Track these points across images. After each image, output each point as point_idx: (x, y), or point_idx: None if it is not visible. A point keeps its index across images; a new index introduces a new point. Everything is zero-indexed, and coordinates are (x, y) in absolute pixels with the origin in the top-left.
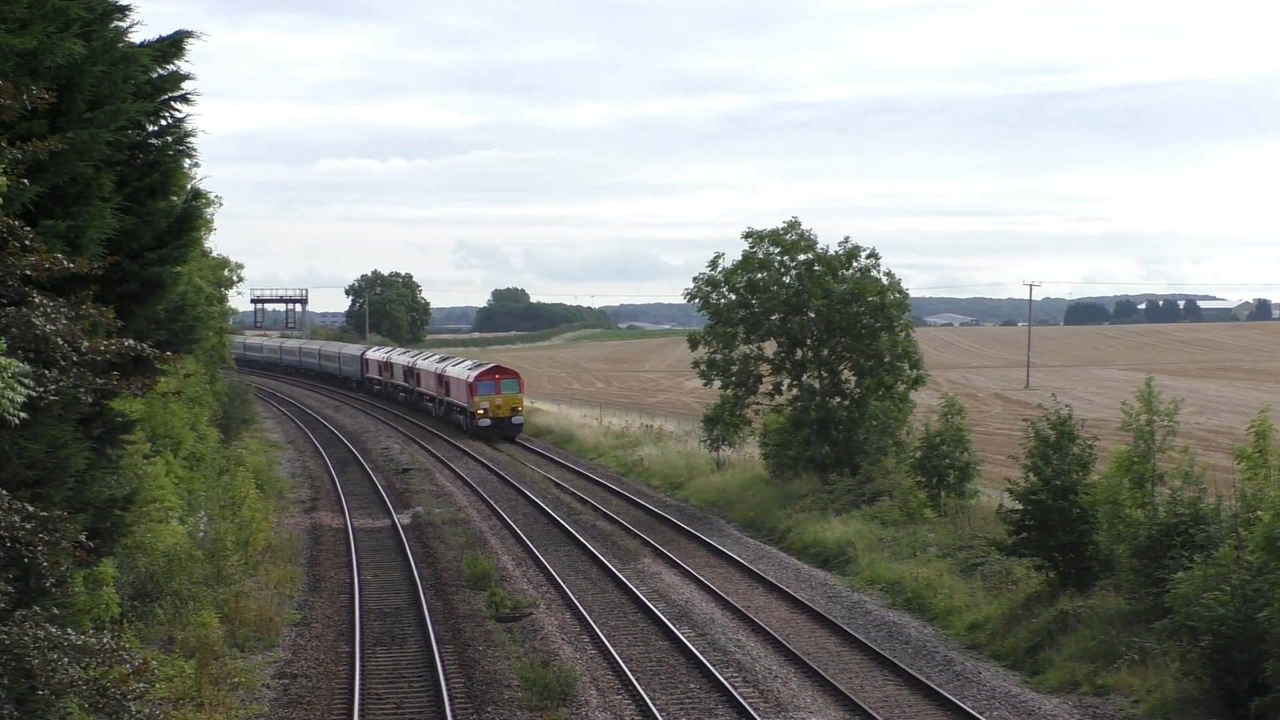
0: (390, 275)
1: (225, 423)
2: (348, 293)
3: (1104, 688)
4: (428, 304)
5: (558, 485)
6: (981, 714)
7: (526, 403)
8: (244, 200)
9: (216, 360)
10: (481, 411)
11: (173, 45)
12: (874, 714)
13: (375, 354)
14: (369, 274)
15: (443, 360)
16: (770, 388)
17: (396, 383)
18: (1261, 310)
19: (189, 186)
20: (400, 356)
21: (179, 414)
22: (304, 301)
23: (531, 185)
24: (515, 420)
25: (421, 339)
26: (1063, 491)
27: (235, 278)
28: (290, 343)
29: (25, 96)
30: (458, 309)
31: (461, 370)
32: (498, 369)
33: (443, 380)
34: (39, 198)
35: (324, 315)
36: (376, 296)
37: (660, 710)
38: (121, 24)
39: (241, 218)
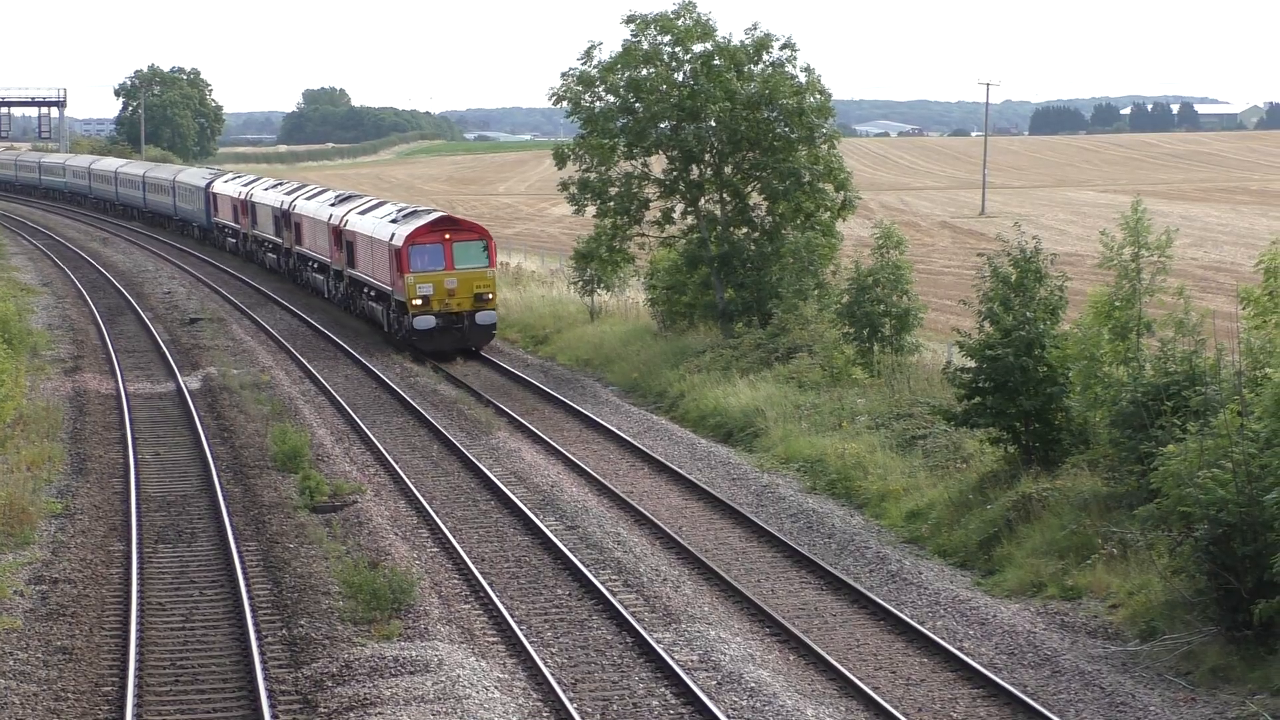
0: (172, 71)
1: None
2: (118, 94)
3: (1075, 590)
4: (220, 108)
5: (388, 339)
6: (923, 624)
7: None
8: None
9: None
10: (420, 301)
11: None
12: (789, 625)
13: (227, 187)
14: (145, 70)
15: (341, 201)
16: (659, 215)
17: (263, 235)
18: (1273, 116)
19: None
20: (268, 193)
21: None
22: (61, 104)
23: None
24: (482, 318)
25: (213, 152)
26: (1027, 345)
27: None
28: (104, 164)
29: None
30: (259, 115)
31: (379, 223)
32: (447, 221)
33: (341, 237)
34: None
35: (87, 122)
36: (155, 99)
37: (520, 623)
38: None
39: None
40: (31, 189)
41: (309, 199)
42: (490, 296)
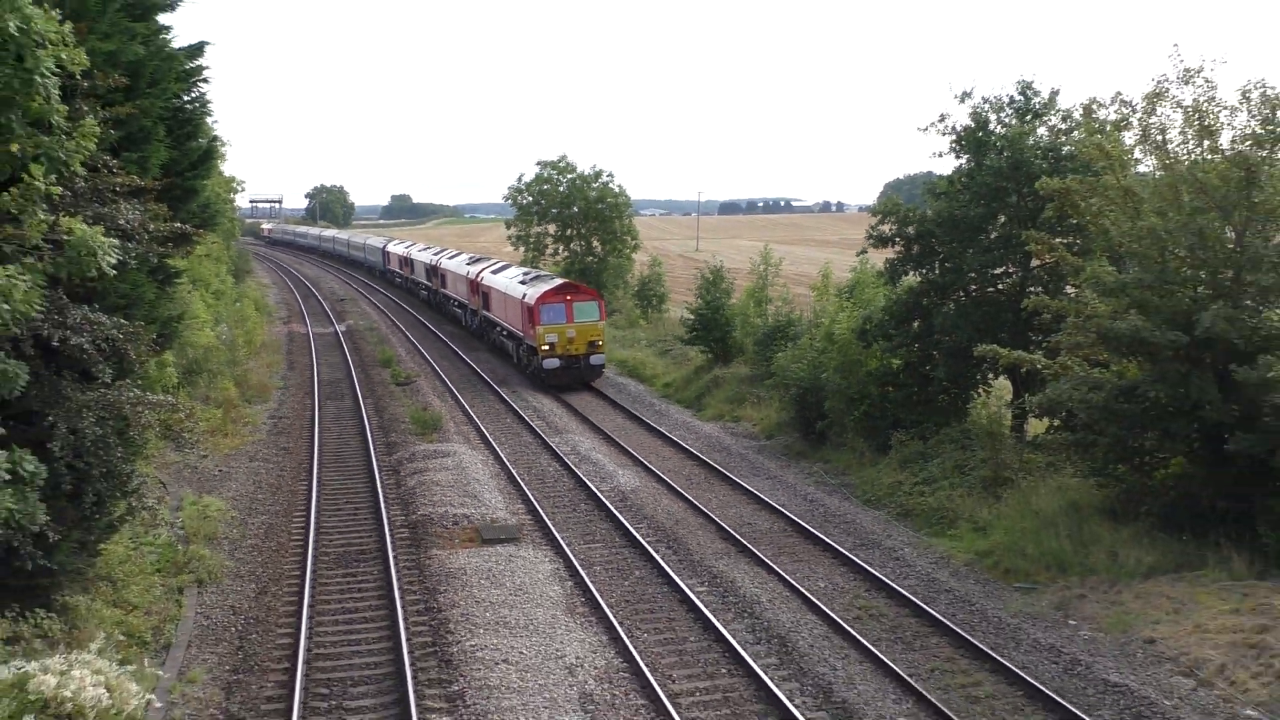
0: (331, 186)
1: (235, 272)
2: (307, 196)
3: (737, 418)
4: (354, 204)
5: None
6: (670, 432)
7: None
8: (245, 135)
9: (229, 235)
10: (547, 347)
11: (196, 49)
12: (612, 435)
13: (396, 248)
14: (319, 185)
15: (474, 262)
16: (553, 251)
17: (417, 279)
18: (824, 207)
19: (210, 133)
20: (422, 253)
21: (208, 266)
22: (280, 201)
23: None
24: (594, 360)
25: (349, 224)
26: (717, 309)
27: (237, 188)
28: (330, 233)
29: (110, 80)
30: (369, 206)
31: (510, 282)
32: (569, 287)
33: (478, 288)
34: (120, 141)
35: (292, 210)
36: (323, 198)
37: (491, 436)
38: (166, 35)
39: (240, 147)
40: (283, 243)
41: (451, 259)
42: (600, 343)
